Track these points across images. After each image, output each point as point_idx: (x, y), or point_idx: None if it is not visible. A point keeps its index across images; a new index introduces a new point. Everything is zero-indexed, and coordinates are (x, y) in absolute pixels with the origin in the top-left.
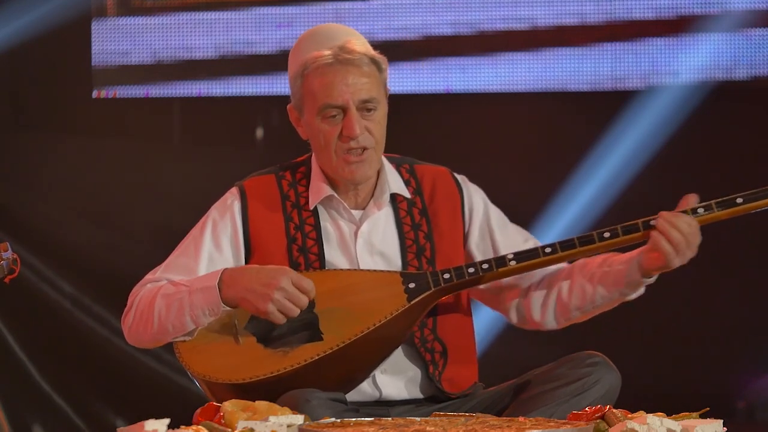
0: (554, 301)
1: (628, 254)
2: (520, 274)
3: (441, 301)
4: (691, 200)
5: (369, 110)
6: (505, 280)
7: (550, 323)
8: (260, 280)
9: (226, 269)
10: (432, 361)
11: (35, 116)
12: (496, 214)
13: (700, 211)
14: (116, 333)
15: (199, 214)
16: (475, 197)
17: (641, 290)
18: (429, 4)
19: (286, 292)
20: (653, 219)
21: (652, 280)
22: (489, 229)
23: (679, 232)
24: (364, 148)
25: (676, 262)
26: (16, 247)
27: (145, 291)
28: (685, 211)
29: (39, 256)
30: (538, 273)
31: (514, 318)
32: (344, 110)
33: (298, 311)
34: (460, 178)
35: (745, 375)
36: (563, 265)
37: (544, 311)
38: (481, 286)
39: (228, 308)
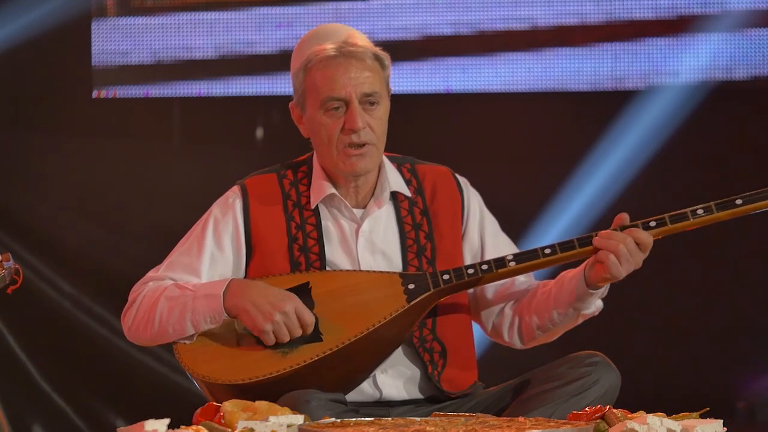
0: (519, 322)
1: (576, 269)
2: (504, 286)
3: (441, 302)
4: (624, 219)
5: (371, 104)
6: (486, 297)
7: (517, 343)
8: (267, 298)
9: (233, 279)
10: (431, 361)
11: (35, 116)
12: (490, 222)
13: (700, 212)
14: (116, 333)
15: (199, 214)
16: (473, 201)
17: (599, 305)
18: (429, 4)
19: (287, 317)
20: (652, 220)
21: (601, 292)
22: (481, 235)
23: (618, 241)
24: (365, 143)
25: (621, 272)
26: (17, 247)
27: (148, 290)
28: (693, 212)
29: (39, 256)
30: (513, 293)
31: (489, 333)
32: (347, 103)
33: (289, 339)
34: (462, 180)
35: (745, 375)
36: (535, 282)
37: (512, 332)
38: (468, 296)
39: (229, 318)
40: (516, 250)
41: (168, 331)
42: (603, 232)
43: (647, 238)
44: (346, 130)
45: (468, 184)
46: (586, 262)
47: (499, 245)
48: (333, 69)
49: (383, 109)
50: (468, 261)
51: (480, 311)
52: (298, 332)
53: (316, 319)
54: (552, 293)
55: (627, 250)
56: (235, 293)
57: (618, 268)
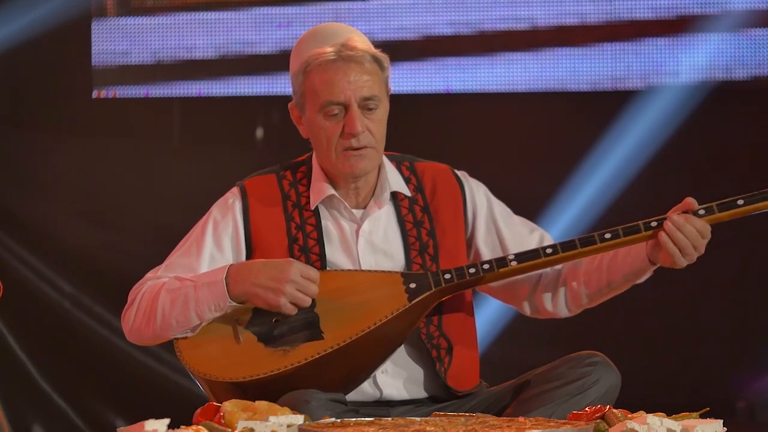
0: (564, 290)
1: (635, 245)
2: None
3: (445, 301)
4: (692, 205)
5: (370, 108)
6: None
7: (563, 311)
8: (269, 275)
9: (232, 264)
10: (438, 357)
11: (36, 116)
12: (500, 208)
13: (701, 212)
14: (116, 333)
15: (199, 214)
16: (477, 192)
17: (649, 273)
18: (429, 4)
19: (296, 283)
20: (654, 220)
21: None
22: (494, 222)
23: (685, 235)
24: (365, 146)
25: (683, 262)
26: (17, 247)
27: (147, 287)
28: (696, 213)
29: (39, 256)
30: None
31: (527, 310)
32: (346, 107)
33: (310, 301)
34: (461, 174)
35: (745, 375)
36: None
37: (556, 301)
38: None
39: (234, 304)
40: (533, 227)
41: (171, 324)
42: (676, 219)
43: (705, 227)
44: (345, 134)
45: (467, 176)
46: (647, 243)
47: (514, 226)
48: (332, 73)
49: (382, 111)
50: (487, 254)
51: (513, 291)
52: (313, 289)
53: (317, 317)
54: (604, 263)
55: (693, 246)
56: (237, 280)
57: (682, 262)
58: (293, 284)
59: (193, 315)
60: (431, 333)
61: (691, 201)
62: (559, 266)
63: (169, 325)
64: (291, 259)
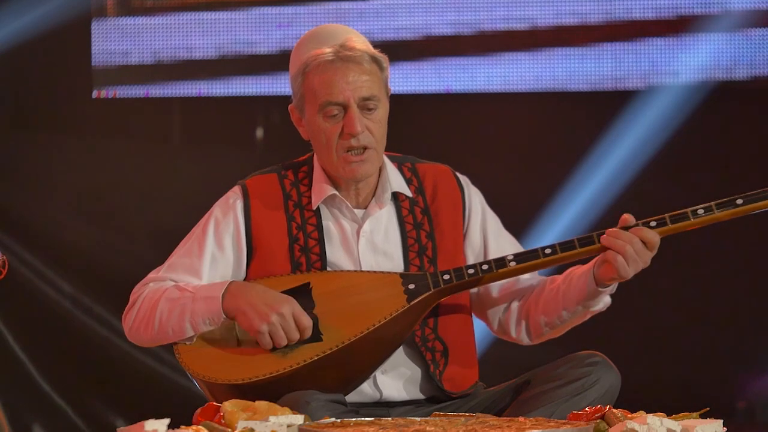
0: (526, 318)
1: (585, 266)
2: (509, 283)
3: (442, 301)
4: (628, 220)
5: (370, 109)
6: (490, 294)
7: (525, 340)
8: (264, 300)
9: (233, 282)
10: (433, 360)
11: (35, 116)
12: (493, 221)
13: (700, 212)
14: (116, 333)
15: (199, 214)
16: (475, 199)
17: (607, 301)
18: (429, 4)
19: (284, 319)
20: (653, 220)
21: (611, 289)
22: (484, 233)
23: (625, 242)
24: (365, 148)
25: (627, 270)
26: (17, 247)
27: (149, 291)
28: (694, 212)
29: (39, 255)
30: (518, 289)
31: (495, 328)
32: (345, 108)
33: (285, 341)
34: (462, 178)
35: (745, 375)
36: (541, 278)
37: (519, 328)
38: (472, 295)
39: (228, 319)
40: (519, 247)
41: (168, 332)
42: (610, 230)
43: (654, 236)
44: (345, 134)
45: (468, 182)
46: (594, 260)
47: (502, 243)
48: (331, 73)
49: (382, 112)
50: (470, 260)
51: (486, 309)
52: (295, 335)
53: (316, 318)
54: (560, 291)
55: (634, 250)
56: (233, 295)
57: (626, 269)
58: (281, 318)
59: (188, 326)
60: (426, 336)
61: (627, 217)
62: (527, 292)
63: (165, 332)
64: (292, 298)
